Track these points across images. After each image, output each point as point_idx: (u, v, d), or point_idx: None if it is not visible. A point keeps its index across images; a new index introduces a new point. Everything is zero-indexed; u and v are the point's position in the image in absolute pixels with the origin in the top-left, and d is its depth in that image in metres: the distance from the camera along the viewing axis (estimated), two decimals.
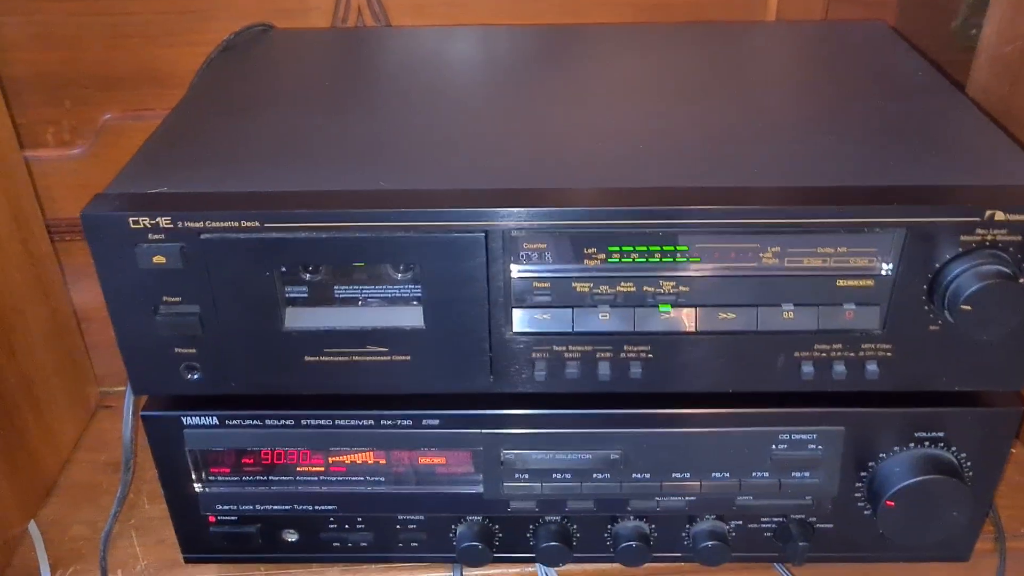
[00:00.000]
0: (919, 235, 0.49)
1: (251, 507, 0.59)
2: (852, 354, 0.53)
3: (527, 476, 0.57)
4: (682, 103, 0.62)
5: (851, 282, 0.51)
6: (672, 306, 0.52)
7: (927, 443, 0.57)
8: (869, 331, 0.52)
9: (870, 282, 0.51)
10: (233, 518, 0.60)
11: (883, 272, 0.51)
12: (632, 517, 0.60)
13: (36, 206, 0.74)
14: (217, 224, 0.49)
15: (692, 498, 0.58)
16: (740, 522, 0.60)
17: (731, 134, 0.57)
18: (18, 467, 0.68)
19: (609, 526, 0.61)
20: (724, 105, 0.62)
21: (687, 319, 0.52)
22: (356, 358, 0.53)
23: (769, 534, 0.61)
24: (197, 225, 0.49)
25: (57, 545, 0.67)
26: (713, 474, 0.57)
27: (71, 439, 0.76)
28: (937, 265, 0.50)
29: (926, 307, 0.51)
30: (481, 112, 0.62)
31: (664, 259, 0.51)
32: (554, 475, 0.57)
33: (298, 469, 0.59)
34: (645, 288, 0.52)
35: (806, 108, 0.62)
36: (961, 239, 0.49)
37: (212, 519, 0.61)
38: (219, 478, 0.59)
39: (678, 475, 0.57)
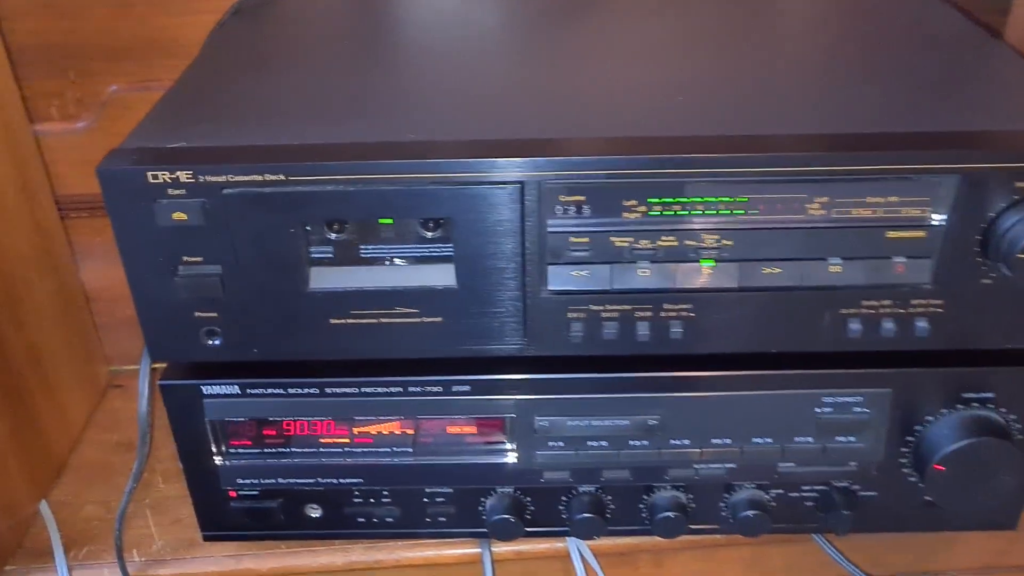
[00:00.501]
0: (973, 182, 0.47)
1: (273, 481, 0.57)
2: (901, 310, 0.51)
3: (561, 444, 0.55)
4: (719, 51, 0.60)
5: (901, 233, 0.49)
6: (715, 260, 0.50)
7: (975, 404, 0.55)
8: (919, 285, 0.50)
9: (921, 233, 0.49)
10: (254, 492, 0.58)
11: (935, 222, 0.49)
12: (669, 487, 0.58)
13: (45, 178, 0.71)
14: (240, 178, 0.47)
15: (732, 465, 0.56)
16: (780, 491, 0.58)
17: (773, 82, 0.55)
18: (27, 445, 0.65)
19: (644, 496, 0.58)
20: (762, 53, 0.60)
21: (731, 274, 0.50)
22: (384, 320, 0.51)
23: (810, 503, 0.59)
24: (219, 179, 0.47)
25: (70, 525, 0.65)
26: (754, 439, 0.55)
27: (81, 418, 0.74)
28: (992, 214, 0.48)
29: (979, 259, 0.49)
30: (512, 62, 0.60)
31: (707, 211, 0.49)
32: (589, 443, 0.55)
33: (322, 440, 0.57)
34: (687, 242, 0.49)
35: (846, 56, 0.60)
36: (1016, 186, 0.47)
37: (232, 494, 0.58)
38: (240, 450, 0.57)
39: (718, 441, 0.55)
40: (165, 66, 0.82)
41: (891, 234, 0.49)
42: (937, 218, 0.49)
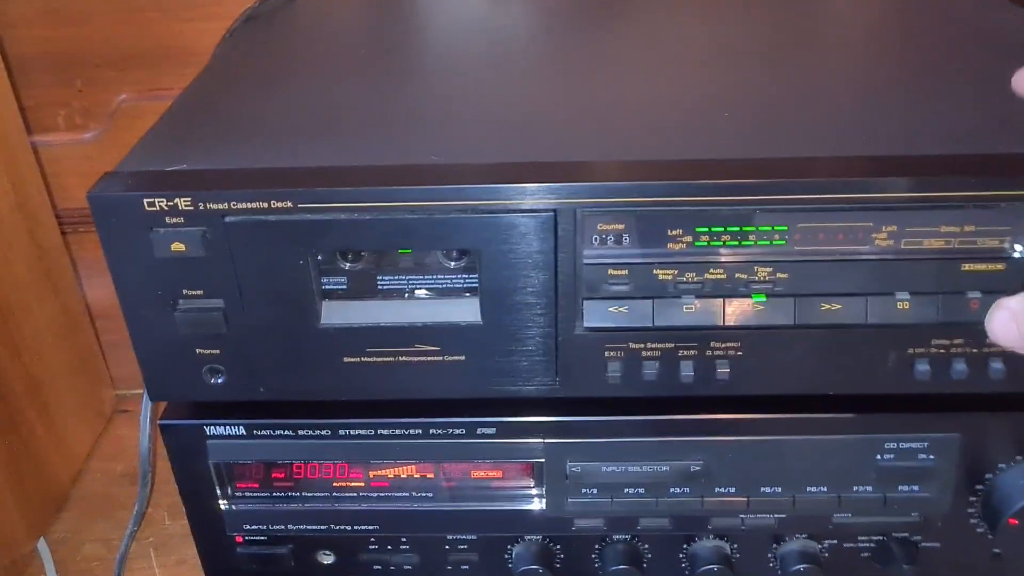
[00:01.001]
0: None
1: (282, 527, 0.53)
2: (974, 350, 0.46)
3: (595, 491, 0.51)
4: (767, 62, 0.55)
5: (978, 266, 0.44)
6: (768, 296, 0.45)
7: None
8: None
9: (1000, 266, 0.44)
10: (262, 538, 0.54)
11: (1016, 254, 0.44)
12: (712, 536, 0.53)
13: (44, 194, 0.68)
14: (244, 205, 0.42)
15: (783, 516, 0.51)
16: (834, 541, 0.53)
17: (830, 96, 0.50)
18: (25, 479, 0.61)
19: (685, 546, 0.54)
20: (817, 63, 0.55)
21: (785, 310, 0.45)
22: (403, 359, 0.47)
23: (867, 554, 0.54)
24: (221, 206, 0.42)
25: (68, 566, 0.61)
26: (808, 488, 0.50)
27: (84, 447, 0.70)
28: None
29: None
30: (543, 76, 0.55)
31: (760, 241, 0.44)
32: (626, 490, 0.50)
33: (335, 484, 0.52)
34: (738, 275, 0.45)
35: (909, 68, 0.55)
36: None
37: (239, 539, 0.54)
38: (247, 494, 0.52)
39: (768, 489, 0.50)
40: (176, 74, 0.79)
41: (967, 267, 0.44)
42: (1019, 249, 0.44)
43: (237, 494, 0.52)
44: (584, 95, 0.51)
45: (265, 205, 0.42)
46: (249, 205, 0.42)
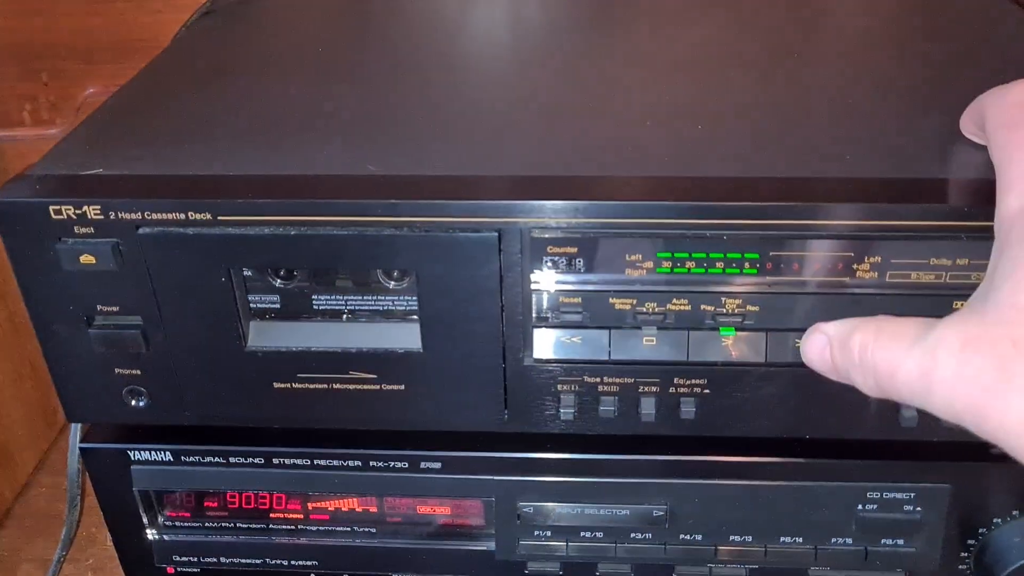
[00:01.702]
0: None
1: (215, 559, 0.49)
2: None
3: (549, 533, 0.46)
4: (751, 74, 0.50)
5: None
6: (737, 329, 0.41)
7: None
8: None
9: None
10: (195, 570, 0.50)
11: None
12: None
13: None
14: (158, 216, 0.39)
15: (754, 566, 0.47)
16: None
17: (815, 112, 0.46)
18: None
19: None
20: (804, 76, 0.50)
21: (757, 346, 0.41)
22: (337, 386, 0.43)
23: None
24: (133, 216, 0.39)
25: None
26: (782, 538, 0.46)
27: (31, 461, 0.67)
28: None
29: None
30: (499, 83, 0.51)
31: (728, 269, 0.39)
32: (583, 533, 0.46)
33: (271, 516, 0.48)
34: (703, 306, 0.40)
35: (910, 79, 0.50)
36: None
37: (171, 570, 0.50)
38: (177, 523, 0.49)
39: (737, 538, 0.46)
40: None
41: (959, 304, 0.40)
42: None
43: (167, 523, 0.49)
44: (540, 106, 0.47)
45: (182, 216, 0.39)
46: (165, 216, 0.39)
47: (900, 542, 0.46)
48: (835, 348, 0.34)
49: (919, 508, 0.45)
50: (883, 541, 0.46)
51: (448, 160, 0.41)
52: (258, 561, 0.49)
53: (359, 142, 0.43)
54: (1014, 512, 0.45)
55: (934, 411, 0.31)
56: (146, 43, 0.75)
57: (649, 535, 0.46)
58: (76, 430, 0.50)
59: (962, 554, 0.47)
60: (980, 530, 0.46)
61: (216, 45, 0.57)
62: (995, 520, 0.45)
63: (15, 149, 0.77)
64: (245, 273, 0.42)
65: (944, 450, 0.44)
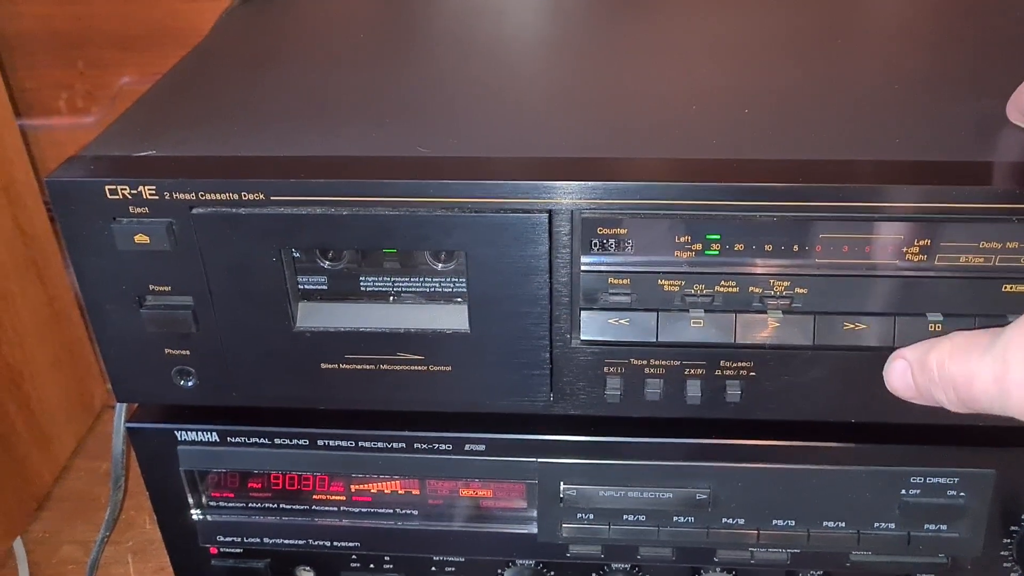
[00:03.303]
0: None
1: (258, 539, 0.50)
2: None
3: (591, 517, 0.47)
4: (796, 58, 0.50)
5: (1021, 287, 0.40)
6: (785, 312, 0.41)
7: None
8: None
9: None
10: (238, 550, 0.51)
11: None
12: (719, 569, 0.49)
13: (31, 178, 0.65)
14: (212, 196, 0.39)
15: (796, 550, 0.47)
16: None
17: (863, 94, 0.46)
18: (2, 476, 0.59)
19: None
20: (852, 57, 0.50)
21: (803, 329, 0.41)
22: (385, 367, 0.43)
23: None
24: (188, 197, 0.39)
25: (43, 567, 0.59)
26: (824, 522, 0.46)
27: (69, 444, 0.67)
28: None
29: None
30: (546, 66, 0.51)
31: (778, 252, 0.40)
32: (625, 516, 0.46)
33: (314, 497, 0.49)
34: (751, 289, 0.40)
35: (955, 64, 0.50)
36: None
37: (214, 550, 0.51)
38: (221, 504, 0.49)
39: (780, 522, 0.46)
40: (179, 56, 0.76)
41: (1008, 288, 0.40)
42: None
43: (211, 503, 0.49)
44: (588, 88, 0.47)
45: (235, 197, 0.39)
46: (218, 196, 0.39)
47: (943, 527, 0.46)
48: (915, 370, 0.35)
49: (963, 493, 0.45)
50: (926, 526, 0.46)
51: (497, 142, 0.42)
52: (300, 542, 0.50)
53: (408, 125, 0.43)
54: None
55: (1014, 415, 0.31)
56: (182, 31, 0.75)
57: (692, 519, 0.46)
58: (121, 411, 0.50)
59: (1005, 540, 0.46)
60: (1023, 516, 0.46)
61: (258, 31, 0.58)
62: None
63: (51, 137, 0.78)
64: (294, 254, 0.42)
65: (989, 435, 0.44)
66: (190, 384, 0.44)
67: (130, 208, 0.39)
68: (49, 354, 0.64)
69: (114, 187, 0.39)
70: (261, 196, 0.39)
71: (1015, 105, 0.41)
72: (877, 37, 0.54)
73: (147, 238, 0.40)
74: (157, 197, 0.39)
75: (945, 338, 0.34)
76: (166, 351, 0.43)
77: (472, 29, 0.56)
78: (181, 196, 0.39)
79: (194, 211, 0.39)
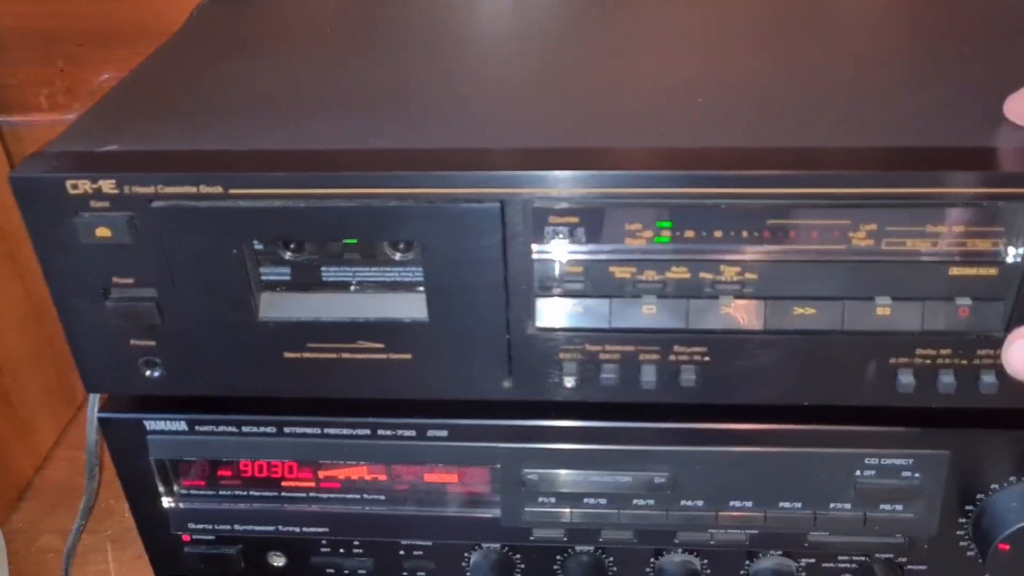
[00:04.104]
0: None
1: (229, 527, 0.51)
2: (964, 361, 0.42)
3: (553, 500, 0.48)
4: (750, 47, 0.51)
5: (968, 270, 0.40)
6: (736, 297, 0.42)
7: None
8: (988, 333, 0.41)
9: (993, 271, 0.40)
10: (210, 538, 0.52)
11: (1010, 258, 0.40)
12: (680, 550, 0.50)
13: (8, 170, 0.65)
14: (171, 189, 0.40)
15: (754, 531, 0.48)
16: (812, 560, 0.50)
17: (814, 84, 0.46)
18: None
19: (652, 559, 0.50)
20: (804, 49, 0.51)
21: (754, 314, 0.42)
22: (346, 356, 0.44)
23: (848, 575, 0.50)
24: (147, 190, 0.40)
25: (22, 557, 0.59)
26: (781, 503, 0.47)
27: (50, 435, 0.68)
28: None
29: None
30: (501, 60, 0.52)
31: (727, 239, 0.40)
32: (586, 500, 0.47)
33: (283, 484, 0.50)
34: (702, 274, 0.41)
35: (909, 52, 0.51)
36: None
37: (186, 538, 0.52)
38: (191, 492, 0.50)
39: (737, 504, 0.47)
40: None
41: (955, 271, 0.40)
42: (1013, 253, 0.40)
43: (182, 492, 0.50)
44: (542, 80, 0.48)
45: (194, 190, 0.40)
46: (177, 189, 0.40)
47: (899, 508, 0.46)
48: None
49: (917, 474, 0.46)
50: (882, 507, 0.46)
51: (452, 133, 0.42)
52: (271, 528, 0.51)
53: (366, 117, 0.44)
54: (1011, 478, 0.46)
55: None
56: (161, 28, 0.75)
57: (651, 501, 0.47)
58: (94, 401, 0.51)
59: (960, 520, 0.47)
60: (978, 496, 0.47)
61: (227, 26, 0.58)
62: (993, 486, 0.46)
63: (32, 134, 0.79)
64: (256, 246, 0.43)
65: (942, 417, 0.45)
66: (157, 375, 0.45)
67: (91, 203, 0.40)
68: (29, 347, 0.65)
69: (75, 182, 0.40)
70: (219, 189, 0.40)
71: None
72: (835, 27, 0.55)
73: (109, 232, 0.41)
74: (117, 191, 0.40)
75: None
76: (132, 342, 0.44)
77: (435, 24, 0.57)
78: (140, 190, 0.40)
79: (153, 204, 0.40)
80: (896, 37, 0.53)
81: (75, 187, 0.40)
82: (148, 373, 0.45)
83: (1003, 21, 0.53)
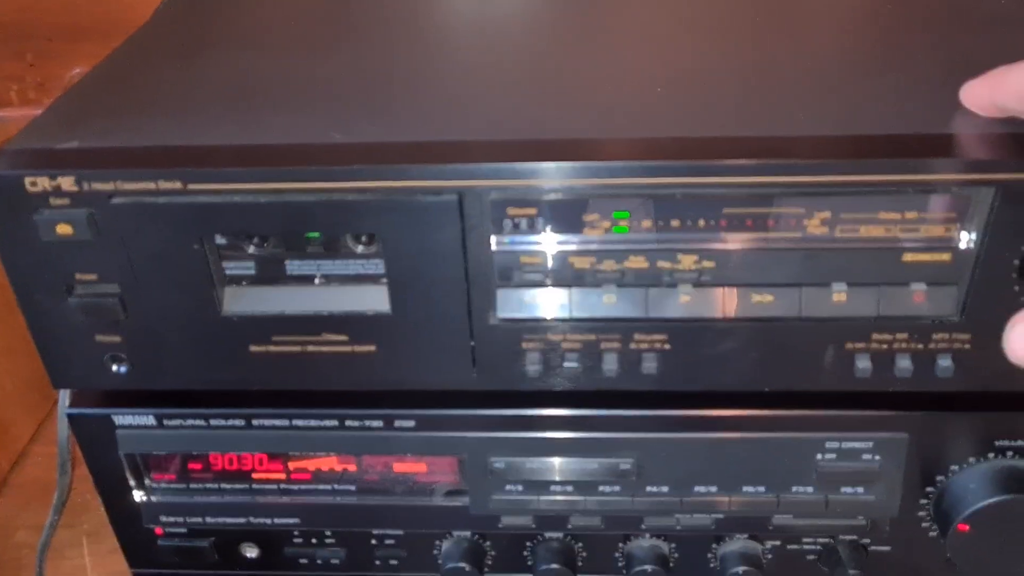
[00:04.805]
0: (1012, 196, 0.39)
1: (200, 519, 0.51)
2: (920, 346, 0.43)
3: (520, 488, 0.48)
4: (708, 38, 0.51)
5: (922, 256, 0.41)
6: (694, 286, 0.42)
7: (1011, 453, 0.46)
8: (943, 318, 0.42)
9: (946, 256, 0.41)
10: (182, 530, 0.52)
11: (963, 244, 0.40)
12: (648, 535, 0.50)
13: None
14: (130, 186, 0.40)
15: (719, 516, 0.49)
16: (777, 543, 0.50)
17: (771, 74, 0.47)
18: None
19: (621, 544, 0.51)
20: (761, 39, 0.51)
21: (713, 302, 0.42)
22: (311, 348, 0.44)
23: (813, 556, 0.51)
24: (106, 187, 0.40)
25: None
26: (745, 488, 0.48)
27: (26, 430, 0.69)
28: None
29: (1016, 287, 0.41)
30: (462, 51, 0.52)
31: (684, 228, 0.41)
32: (552, 487, 0.48)
33: (254, 476, 0.50)
34: (660, 263, 0.42)
35: (868, 40, 0.51)
36: None
37: (159, 531, 0.52)
38: (163, 485, 0.51)
39: (702, 489, 0.48)
40: None
41: (909, 257, 0.41)
42: (967, 239, 0.40)
43: (153, 485, 0.50)
44: (502, 72, 0.48)
45: (153, 186, 0.40)
46: (136, 186, 0.40)
47: (860, 490, 0.47)
48: None
49: (877, 457, 0.46)
50: (843, 490, 0.47)
51: (413, 127, 0.42)
52: (243, 520, 0.51)
53: (328, 112, 0.44)
54: (970, 459, 0.47)
55: None
56: (132, 22, 0.75)
57: (617, 488, 0.48)
58: (64, 397, 0.51)
59: (921, 501, 0.48)
60: (938, 477, 0.47)
61: (193, 20, 0.58)
62: (952, 467, 0.47)
63: (3, 129, 0.78)
64: (220, 241, 0.43)
65: (901, 400, 0.45)
66: (123, 370, 0.45)
67: (51, 200, 0.40)
68: (4, 342, 0.66)
69: (34, 180, 0.40)
70: (178, 185, 0.40)
71: (994, 96, 0.39)
72: (796, 18, 0.55)
73: (69, 229, 0.41)
74: (77, 188, 0.40)
75: None
76: (97, 338, 0.44)
77: (398, 19, 0.57)
78: (100, 187, 0.40)
79: (113, 200, 0.40)
80: (856, 26, 0.53)
81: (34, 184, 0.40)
82: (115, 368, 0.45)
83: (963, 10, 0.54)
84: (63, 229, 0.41)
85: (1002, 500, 0.45)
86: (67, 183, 0.40)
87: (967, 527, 0.46)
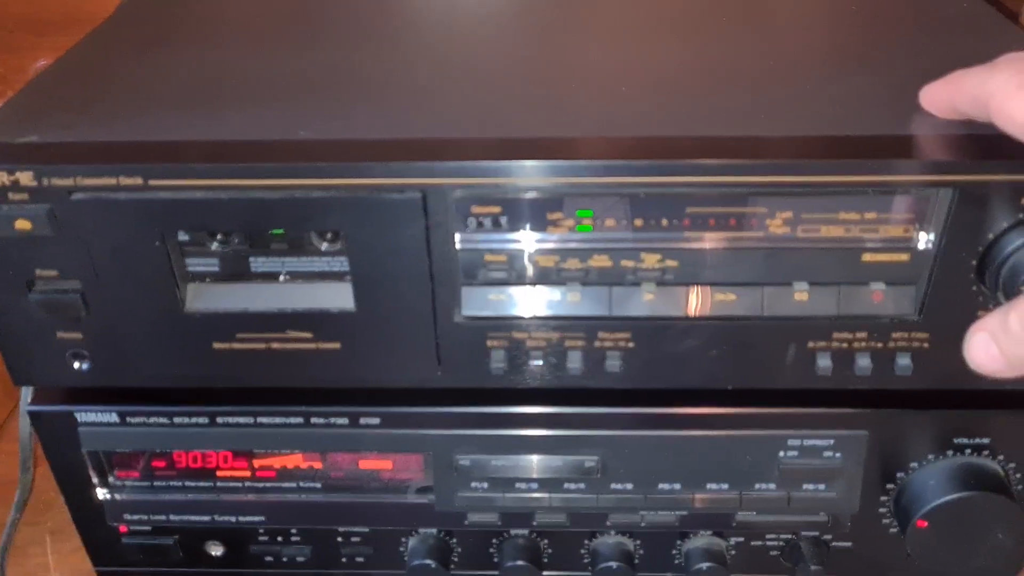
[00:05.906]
0: (970, 197, 0.39)
1: (164, 517, 0.51)
2: (880, 345, 0.43)
3: (486, 485, 0.48)
4: (673, 38, 0.52)
5: (881, 256, 0.41)
6: (658, 284, 0.42)
7: (969, 451, 0.47)
8: (902, 317, 0.42)
9: (905, 256, 0.41)
10: (146, 528, 0.52)
11: (922, 244, 0.41)
12: (613, 532, 0.51)
13: None
14: (90, 181, 0.39)
15: (683, 513, 0.49)
16: (741, 539, 0.51)
17: (735, 75, 0.47)
18: None
19: (586, 541, 0.51)
20: (727, 39, 0.51)
21: (676, 301, 0.42)
22: (275, 346, 0.44)
23: (776, 552, 0.51)
24: (66, 182, 0.40)
25: None
26: (708, 485, 0.48)
27: None
28: (991, 236, 0.40)
29: (974, 287, 0.41)
30: (429, 48, 0.52)
31: (648, 227, 0.41)
32: (518, 484, 0.48)
33: (219, 474, 0.50)
34: (624, 262, 0.42)
35: (830, 42, 0.52)
36: (1022, 202, 0.39)
37: (123, 529, 0.52)
38: (126, 483, 0.50)
39: (666, 486, 0.48)
40: None
41: (868, 257, 0.41)
42: (925, 239, 0.41)
43: (117, 483, 0.50)
44: (471, 69, 0.48)
45: (113, 181, 0.39)
46: (97, 181, 0.40)
47: (821, 487, 0.48)
48: (1000, 339, 0.34)
49: (838, 454, 0.47)
50: (805, 486, 0.48)
51: (377, 124, 0.42)
52: (207, 518, 0.51)
53: (293, 108, 0.44)
54: (929, 456, 0.47)
55: None
56: (96, 15, 0.74)
57: (582, 485, 0.48)
58: (26, 394, 0.51)
59: (882, 498, 0.49)
60: (898, 474, 0.48)
61: (155, 15, 0.58)
62: (912, 464, 0.48)
63: None
64: (182, 237, 0.43)
65: (861, 398, 0.46)
66: (85, 367, 0.45)
67: (9, 195, 0.40)
68: None
69: None
70: (139, 181, 0.39)
71: (953, 100, 0.39)
72: (762, 20, 0.56)
73: (28, 224, 0.40)
74: (36, 184, 0.40)
75: (1021, 297, 0.34)
76: (58, 335, 0.44)
77: (364, 16, 0.56)
78: (59, 182, 0.39)
79: (74, 197, 0.40)
80: (820, 28, 0.54)
81: None
82: (76, 365, 0.45)
83: (926, 12, 0.54)
84: (22, 224, 0.40)
85: (960, 497, 0.46)
86: (26, 178, 0.39)
87: (926, 523, 0.46)
